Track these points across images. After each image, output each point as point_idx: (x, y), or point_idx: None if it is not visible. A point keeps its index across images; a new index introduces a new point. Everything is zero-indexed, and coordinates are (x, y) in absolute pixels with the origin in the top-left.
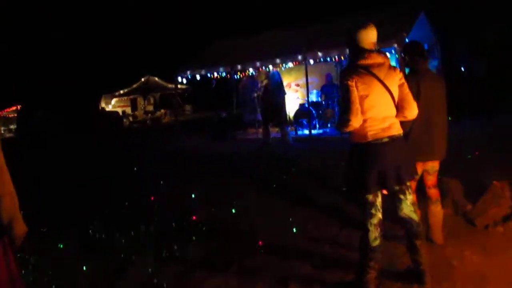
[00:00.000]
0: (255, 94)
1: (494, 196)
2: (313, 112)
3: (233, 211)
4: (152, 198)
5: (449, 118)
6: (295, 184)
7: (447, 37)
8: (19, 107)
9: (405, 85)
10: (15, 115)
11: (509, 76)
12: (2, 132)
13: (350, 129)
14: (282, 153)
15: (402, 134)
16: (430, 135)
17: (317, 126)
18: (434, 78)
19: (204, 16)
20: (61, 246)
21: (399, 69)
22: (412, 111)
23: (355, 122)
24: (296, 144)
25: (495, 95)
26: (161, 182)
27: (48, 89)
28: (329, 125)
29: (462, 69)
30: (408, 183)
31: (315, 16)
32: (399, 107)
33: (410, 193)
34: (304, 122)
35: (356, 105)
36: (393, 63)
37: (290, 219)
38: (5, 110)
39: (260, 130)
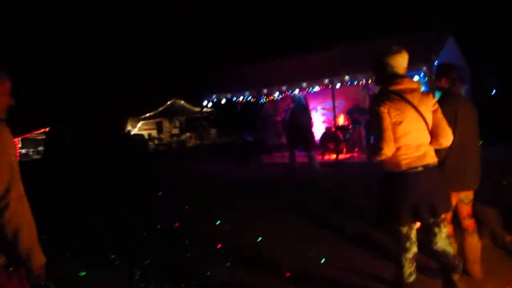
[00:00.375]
0: (279, 118)
1: None
2: (340, 136)
3: (259, 239)
4: (177, 224)
5: (481, 143)
6: (321, 212)
7: (476, 61)
8: (47, 129)
9: (439, 110)
10: (44, 137)
11: None
12: (30, 153)
13: (382, 157)
14: (308, 179)
15: (437, 163)
16: (464, 163)
17: (344, 150)
18: (468, 103)
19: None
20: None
21: (432, 95)
22: (448, 138)
23: (388, 151)
24: (323, 169)
25: None
26: (186, 207)
27: (77, 112)
28: (355, 149)
29: (493, 91)
30: (443, 216)
31: (342, 39)
32: (434, 134)
33: (445, 226)
34: (331, 146)
35: (389, 133)
36: (423, 87)
37: (317, 249)
38: (34, 132)
39: (286, 154)
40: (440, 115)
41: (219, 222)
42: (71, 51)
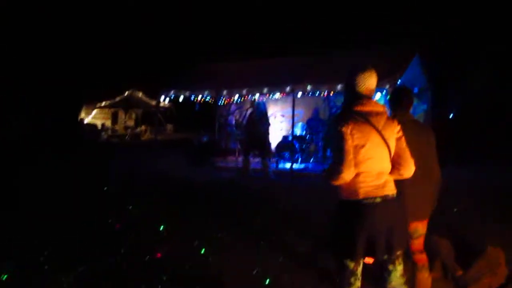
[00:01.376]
0: (233, 122)
1: (489, 263)
2: (296, 145)
3: (202, 251)
4: (118, 226)
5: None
6: (272, 224)
7: (438, 81)
8: None
9: (403, 138)
10: None
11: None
12: None
13: (340, 182)
14: (261, 188)
15: (395, 195)
16: (410, 193)
17: (299, 160)
18: (416, 128)
19: (193, 36)
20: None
21: (397, 121)
22: (409, 169)
23: (347, 175)
24: (276, 177)
25: (483, 142)
26: (129, 207)
27: (27, 93)
28: (311, 160)
29: (451, 115)
30: (398, 252)
31: (306, 48)
32: (395, 163)
33: (400, 263)
34: (286, 155)
35: (350, 156)
36: (388, 111)
37: (263, 266)
38: None
39: (240, 159)
40: (403, 143)
41: (162, 227)
42: (24, 28)
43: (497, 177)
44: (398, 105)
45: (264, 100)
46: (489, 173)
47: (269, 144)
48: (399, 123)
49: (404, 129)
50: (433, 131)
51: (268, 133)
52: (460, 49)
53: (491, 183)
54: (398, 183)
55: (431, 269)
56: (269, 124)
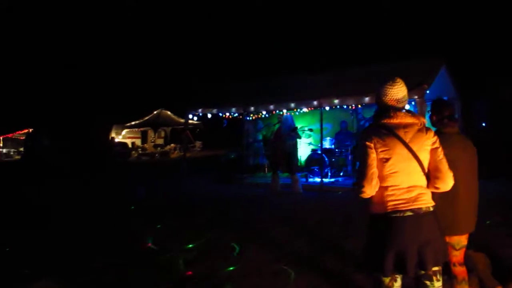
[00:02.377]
0: (259, 138)
1: None
2: (326, 159)
3: (231, 268)
4: (148, 245)
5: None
6: (300, 243)
7: (468, 93)
8: (30, 130)
9: (440, 150)
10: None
11: None
12: (12, 153)
13: (364, 196)
14: (291, 203)
15: (431, 208)
16: (455, 207)
17: (329, 174)
18: (463, 142)
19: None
20: None
21: (432, 132)
22: (446, 182)
23: (369, 189)
24: (306, 193)
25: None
26: (158, 226)
27: (60, 115)
28: (341, 173)
29: (483, 124)
30: (435, 268)
31: (333, 64)
32: (431, 176)
33: (438, 280)
34: (316, 169)
35: (372, 170)
36: (426, 123)
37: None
38: (17, 133)
39: (269, 174)
40: (439, 156)
41: (190, 246)
42: (61, 53)
43: None
44: (440, 118)
45: (291, 114)
46: None
47: (298, 158)
48: (444, 135)
49: (452, 140)
50: (474, 146)
51: (296, 148)
52: (488, 58)
53: None
54: (442, 196)
55: (468, 285)
56: (299, 137)
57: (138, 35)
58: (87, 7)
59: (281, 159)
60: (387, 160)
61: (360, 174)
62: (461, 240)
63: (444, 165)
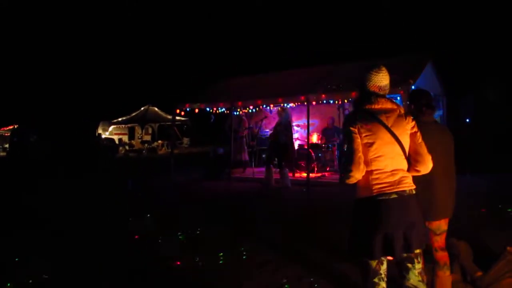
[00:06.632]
0: (244, 133)
1: (508, 264)
2: (312, 154)
3: (221, 262)
4: (136, 237)
5: None
6: (286, 235)
7: (453, 89)
8: (16, 126)
9: (418, 134)
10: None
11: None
12: None
13: (352, 181)
14: (277, 197)
15: (413, 191)
16: (433, 192)
17: (315, 169)
18: (439, 130)
19: (210, 53)
20: None
21: (411, 117)
22: (426, 165)
23: (357, 173)
24: (293, 187)
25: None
26: (147, 216)
27: (46, 111)
28: (327, 169)
29: (467, 120)
30: (417, 250)
31: (320, 60)
32: (412, 159)
33: (419, 262)
34: (303, 164)
35: (359, 154)
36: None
37: (279, 276)
38: (2, 129)
39: (256, 169)
40: (419, 139)
41: (180, 237)
42: (47, 49)
43: None
44: (417, 107)
45: (289, 111)
46: (506, 180)
47: (294, 153)
48: (422, 124)
49: (429, 128)
50: (451, 133)
51: (292, 142)
52: (474, 56)
53: (509, 191)
54: (420, 181)
55: (451, 271)
56: (292, 134)
57: (125, 31)
58: (71, 2)
59: (275, 153)
60: (371, 144)
61: (346, 159)
62: (441, 225)
63: (424, 149)
